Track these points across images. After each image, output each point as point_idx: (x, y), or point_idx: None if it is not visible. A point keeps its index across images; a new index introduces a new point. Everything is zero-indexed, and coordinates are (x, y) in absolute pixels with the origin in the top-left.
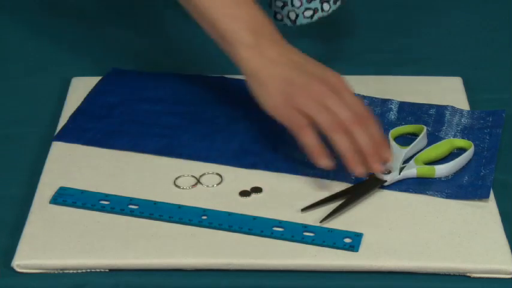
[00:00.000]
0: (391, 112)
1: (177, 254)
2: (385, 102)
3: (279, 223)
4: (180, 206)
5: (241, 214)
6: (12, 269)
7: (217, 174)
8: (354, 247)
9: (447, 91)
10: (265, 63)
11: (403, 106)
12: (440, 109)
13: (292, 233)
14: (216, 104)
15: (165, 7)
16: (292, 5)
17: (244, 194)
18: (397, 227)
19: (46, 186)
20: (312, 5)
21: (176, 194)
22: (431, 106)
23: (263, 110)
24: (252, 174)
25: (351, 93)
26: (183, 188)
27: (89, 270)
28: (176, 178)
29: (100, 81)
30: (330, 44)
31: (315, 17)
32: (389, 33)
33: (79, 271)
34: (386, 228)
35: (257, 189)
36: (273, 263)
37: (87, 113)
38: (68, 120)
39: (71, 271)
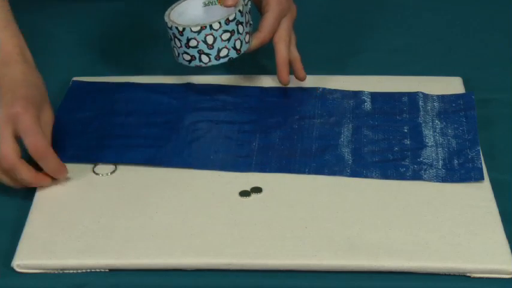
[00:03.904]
0: (366, 103)
1: (177, 254)
2: (357, 94)
3: None
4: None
5: None
6: (12, 269)
7: None
8: None
9: (447, 91)
10: None
11: (375, 96)
12: (412, 96)
13: None
14: (190, 111)
15: (165, 8)
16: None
17: (244, 194)
18: (397, 227)
19: (46, 187)
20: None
21: (176, 194)
22: (402, 94)
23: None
24: (252, 174)
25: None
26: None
27: (89, 270)
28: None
29: (65, 97)
30: (329, 43)
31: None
32: (389, 33)
33: (79, 271)
34: (387, 228)
35: (257, 189)
36: (273, 263)
37: (62, 131)
38: None
39: (71, 271)
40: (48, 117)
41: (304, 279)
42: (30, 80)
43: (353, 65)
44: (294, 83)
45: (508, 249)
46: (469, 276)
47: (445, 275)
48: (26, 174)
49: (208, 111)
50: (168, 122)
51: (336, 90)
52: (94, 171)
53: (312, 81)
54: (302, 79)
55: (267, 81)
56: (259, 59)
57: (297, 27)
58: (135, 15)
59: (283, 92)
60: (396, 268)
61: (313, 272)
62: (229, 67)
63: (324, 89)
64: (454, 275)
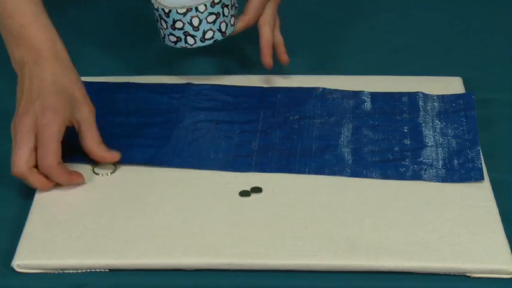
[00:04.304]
0: (366, 103)
1: (177, 254)
2: (357, 94)
3: None
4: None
5: None
6: (12, 269)
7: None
8: None
9: (447, 91)
10: None
11: (376, 96)
12: (412, 96)
13: None
14: (189, 111)
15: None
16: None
17: (244, 194)
18: (397, 227)
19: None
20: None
21: (176, 194)
22: (402, 94)
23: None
24: (252, 174)
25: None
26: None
27: (89, 270)
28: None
29: None
30: (329, 43)
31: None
32: (389, 33)
33: (79, 271)
34: (387, 228)
35: (257, 189)
36: (273, 263)
37: None
38: None
39: (71, 271)
40: (85, 112)
41: (304, 279)
42: (60, 82)
43: (353, 65)
44: (294, 82)
45: (508, 249)
46: (469, 276)
47: (445, 275)
48: (35, 183)
49: (208, 111)
50: (168, 121)
51: (336, 90)
52: (94, 171)
53: (312, 81)
54: (285, 62)
55: (267, 81)
56: (257, 58)
57: (297, 27)
58: (135, 15)
59: (283, 92)
60: (396, 268)
61: (313, 272)
62: (228, 66)
63: (324, 89)
64: (454, 275)
